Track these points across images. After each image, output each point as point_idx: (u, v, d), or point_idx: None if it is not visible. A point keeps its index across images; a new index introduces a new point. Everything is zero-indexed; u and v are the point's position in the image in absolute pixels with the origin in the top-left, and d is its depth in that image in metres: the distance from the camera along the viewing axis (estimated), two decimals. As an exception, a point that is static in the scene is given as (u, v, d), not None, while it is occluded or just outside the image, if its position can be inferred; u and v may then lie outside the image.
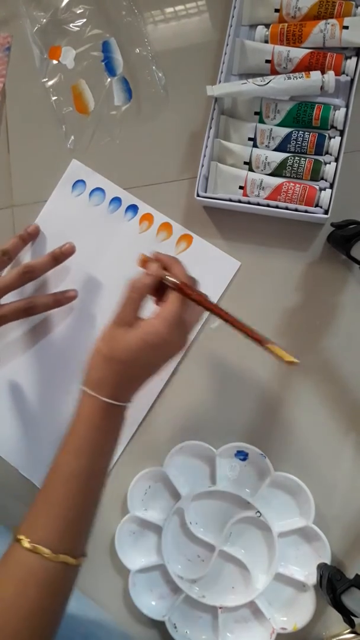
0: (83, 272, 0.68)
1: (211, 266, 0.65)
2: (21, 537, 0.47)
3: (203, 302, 0.52)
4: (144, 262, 0.53)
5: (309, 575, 0.60)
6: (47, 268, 0.66)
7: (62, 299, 0.67)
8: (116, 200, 0.68)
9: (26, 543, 0.46)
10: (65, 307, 0.67)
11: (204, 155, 0.62)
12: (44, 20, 0.70)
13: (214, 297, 0.63)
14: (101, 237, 0.68)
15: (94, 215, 0.68)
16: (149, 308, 0.53)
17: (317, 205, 0.60)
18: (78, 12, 0.69)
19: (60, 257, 0.66)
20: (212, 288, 0.61)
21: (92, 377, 0.51)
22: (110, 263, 0.68)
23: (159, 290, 0.53)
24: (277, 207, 0.60)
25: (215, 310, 0.52)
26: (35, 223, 0.69)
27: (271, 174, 0.62)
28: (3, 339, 0.69)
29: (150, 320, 0.50)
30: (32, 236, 0.69)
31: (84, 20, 0.69)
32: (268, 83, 0.59)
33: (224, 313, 0.52)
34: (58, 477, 0.49)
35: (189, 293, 0.51)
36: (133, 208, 0.67)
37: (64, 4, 0.70)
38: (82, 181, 0.69)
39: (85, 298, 0.68)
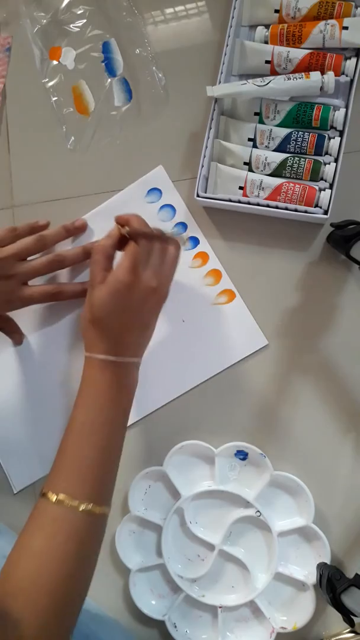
0: None
1: (239, 332, 0.64)
2: (46, 491, 0.51)
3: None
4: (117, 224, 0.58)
5: (308, 575, 0.60)
6: (77, 260, 0.65)
7: None
8: (182, 225, 0.66)
9: (51, 495, 0.51)
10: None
11: (204, 156, 0.62)
12: (45, 20, 0.70)
13: (227, 361, 0.64)
14: None
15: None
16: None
17: (316, 206, 0.60)
18: (78, 12, 0.70)
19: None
20: (228, 351, 0.63)
21: (86, 341, 0.57)
22: None
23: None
24: (276, 207, 0.60)
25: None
26: (83, 218, 0.67)
27: (271, 175, 0.62)
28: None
29: (112, 271, 0.55)
30: (78, 230, 0.67)
31: (84, 20, 0.69)
32: (268, 84, 0.60)
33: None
34: (69, 431, 0.54)
35: (139, 232, 0.55)
36: (194, 240, 0.66)
37: (64, 4, 0.70)
38: (159, 191, 0.67)
39: None
